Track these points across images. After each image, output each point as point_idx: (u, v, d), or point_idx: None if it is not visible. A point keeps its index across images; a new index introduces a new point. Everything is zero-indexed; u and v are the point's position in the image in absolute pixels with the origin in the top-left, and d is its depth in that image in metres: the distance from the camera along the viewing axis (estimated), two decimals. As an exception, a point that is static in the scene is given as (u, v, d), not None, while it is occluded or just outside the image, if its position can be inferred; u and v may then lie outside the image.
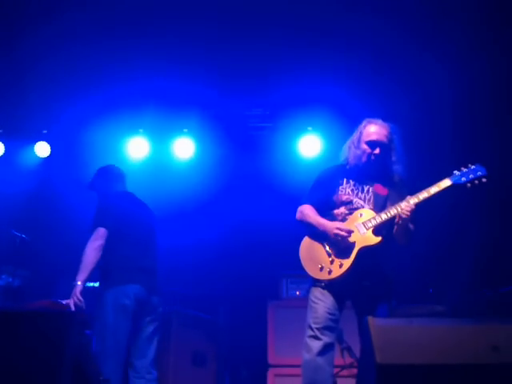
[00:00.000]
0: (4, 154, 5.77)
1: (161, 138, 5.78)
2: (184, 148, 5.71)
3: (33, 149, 5.84)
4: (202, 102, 5.51)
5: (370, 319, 2.50)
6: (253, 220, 5.49)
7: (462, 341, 2.34)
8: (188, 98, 5.42)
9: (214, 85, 5.32)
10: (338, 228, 3.18)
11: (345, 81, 5.10)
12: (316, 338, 3.08)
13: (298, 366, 3.29)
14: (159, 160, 5.81)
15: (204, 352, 4.44)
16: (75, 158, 5.82)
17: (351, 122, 4.92)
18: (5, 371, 2.54)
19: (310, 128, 5.60)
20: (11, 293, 4.03)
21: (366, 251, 3.16)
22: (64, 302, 3.46)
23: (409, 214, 3.07)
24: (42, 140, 5.83)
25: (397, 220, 3.13)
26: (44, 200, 5.79)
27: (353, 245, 3.17)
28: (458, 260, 4.80)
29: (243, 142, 5.73)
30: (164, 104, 5.47)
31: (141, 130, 5.73)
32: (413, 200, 3.10)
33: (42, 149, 5.84)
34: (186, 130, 5.69)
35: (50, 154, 5.84)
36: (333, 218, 3.30)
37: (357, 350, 3.85)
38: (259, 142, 5.73)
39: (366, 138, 3.34)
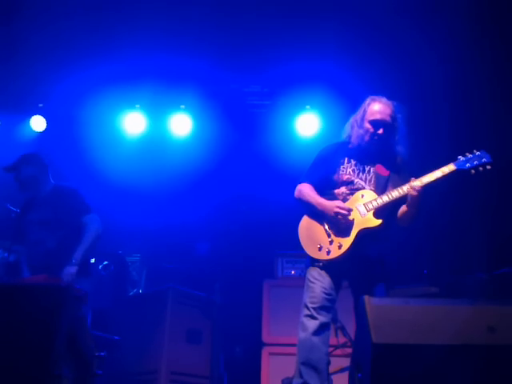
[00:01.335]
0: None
1: (158, 114, 5.73)
2: (181, 124, 5.66)
3: (28, 123, 5.78)
4: (200, 78, 5.45)
5: (367, 299, 2.50)
6: (249, 198, 5.48)
7: (458, 321, 2.35)
8: (186, 73, 5.36)
9: (212, 61, 5.25)
10: (338, 207, 3.15)
11: (344, 59, 5.04)
12: (312, 317, 3.07)
13: (292, 345, 3.32)
14: (156, 136, 5.77)
15: (199, 329, 4.45)
16: (71, 133, 5.76)
17: (350, 101, 4.93)
18: (1, 344, 2.56)
19: (308, 107, 5.55)
20: (7, 267, 4.02)
21: (365, 233, 3.13)
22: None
23: (418, 195, 3.02)
24: (38, 114, 5.76)
25: (408, 201, 3.08)
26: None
27: (352, 226, 3.15)
28: (453, 242, 4.82)
29: (241, 120, 5.68)
30: (161, 79, 5.42)
31: (137, 106, 5.66)
32: (419, 182, 3.05)
33: (38, 123, 5.77)
34: (183, 107, 5.63)
35: (46, 128, 5.77)
36: (333, 198, 3.25)
37: (350, 329, 3.89)
38: (257, 119, 5.69)
39: (369, 116, 3.27)
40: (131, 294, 4.71)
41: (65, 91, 5.59)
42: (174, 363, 4.16)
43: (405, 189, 3.08)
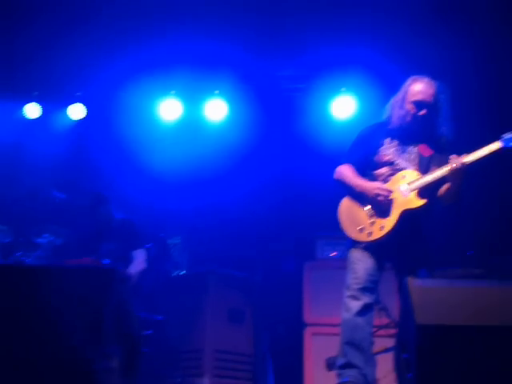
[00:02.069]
0: (41, 116, 5.84)
1: (193, 100, 5.75)
2: (216, 109, 5.67)
3: (66, 111, 5.88)
4: (234, 63, 5.43)
5: (410, 280, 2.53)
6: (287, 181, 5.49)
7: (502, 302, 2.36)
8: (220, 59, 5.35)
9: (246, 45, 5.24)
10: (378, 188, 3.12)
11: (379, 41, 4.96)
12: (355, 298, 3.07)
13: (334, 326, 3.34)
14: (191, 122, 5.79)
15: (241, 309, 4.53)
16: (109, 120, 5.85)
17: (386, 82, 4.89)
18: (50, 325, 2.66)
19: (343, 89, 5.50)
20: (54, 250, 4.17)
21: (408, 214, 3.10)
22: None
23: (461, 173, 2.98)
24: (77, 102, 5.87)
25: (450, 180, 3.03)
26: (80, 161, 5.87)
27: (394, 207, 3.11)
28: (496, 221, 4.74)
29: (275, 103, 5.65)
30: (196, 65, 5.42)
31: (173, 92, 5.69)
32: (462, 159, 2.99)
33: (76, 111, 5.87)
34: (217, 92, 5.64)
35: (85, 116, 5.89)
36: (374, 179, 3.23)
37: (393, 311, 3.90)
38: (292, 103, 5.64)
39: (411, 97, 3.20)
40: (174, 275, 4.82)
41: (102, 79, 5.66)
42: (218, 342, 4.27)
43: (448, 167, 3.02)
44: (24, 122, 5.83)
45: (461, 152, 3.05)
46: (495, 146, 3.02)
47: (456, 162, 3.00)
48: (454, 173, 3.00)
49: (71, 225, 4.57)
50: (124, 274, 3.41)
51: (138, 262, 4.12)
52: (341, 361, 3.05)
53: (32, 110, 5.80)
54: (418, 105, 3.18)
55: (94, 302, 2.78)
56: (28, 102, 5.78)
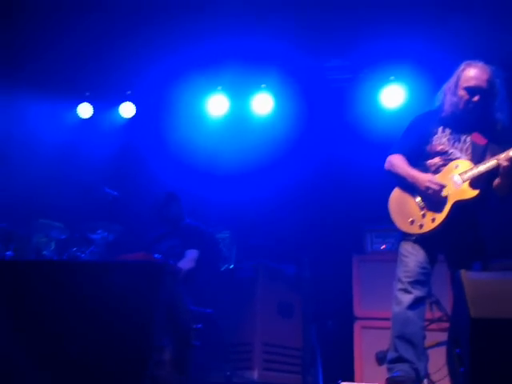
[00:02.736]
0: (93, 115, 6.01)
1: (239, 95, 5.79)
2: (263, 103, 5.69)
3: (118, 110, 6.03)
4: (280, 56, 5.41)
5: (463, 273, 2.45)
6: (335, 173, 5.43)
7: None
8: (265, 52, 5.34)
9: (290, 37, 5.18)
10: (429, 181, 3.04)
11: (426, 30, 4.81)
12: (406, 291, 3.02)
13: (384, 319, 3.30)
14: (239, 116, 5.84)
15: (290, 303, 4.55)
16: (158, 117, 5.97)
17: (435, 71, 4.75)
18: (103, 320, 2.72)
19: (392, 77, 5.39)
20: (107, 246, 4.29)
21: (461, 205, 3.01)
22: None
23: (508, 163, 2.87)
24: (127, 101, 6.00)
25: (499, 169, 2.92)
26: (130, 159, 6.02)
27: (446, 198, 3.03)
28: None
29: (322, 95, 5.60)
30: (242, 60, 5.42)
31: (220, 88, 5.74)
32: (505, 154, 2.88)
33: (127, 109, 6.01)
34: (264, 86, 5.64)
35: (135, 114, 6.01)
36: (426, 169, 3.15)
37: (446, 304, 3.81)
38: (340, 93, 5.58)
39: (464, 83, 3.08)
40: (223, 269, 4.88)
41: (151, 78, 5.78)
42: (267, 335, 4.29)
43: (503, 155, 2.90)
44: (77, 121, 6.03)
45: None
46: None
47: (505, 155, 2.89)
48: (501, 165, 2.90)
49: (123, 221, 4.69)
50: (175, 268, 3.47)
51: (188, 259, 4.20)
52: (391, 355, 3.01)
53: (84, 110, 5.99)
54: (472, 91, 3.07)
55: (145, 296, 2.83)
56: (80, 102, 5.97)
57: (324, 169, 5.46)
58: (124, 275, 2.90)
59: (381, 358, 3.65)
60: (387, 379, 2.97)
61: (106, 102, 6.05)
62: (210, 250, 4.46)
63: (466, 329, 2.30)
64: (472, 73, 3.09)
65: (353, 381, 3.76)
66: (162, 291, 2.90)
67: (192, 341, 3.31)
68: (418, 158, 3.20)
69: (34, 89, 5.60)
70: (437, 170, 3.13)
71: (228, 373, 4.05)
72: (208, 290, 4.34)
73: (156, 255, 3.68)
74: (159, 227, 4.61)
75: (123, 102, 6.00)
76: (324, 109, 5.59)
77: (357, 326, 4.39)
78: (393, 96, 5.42)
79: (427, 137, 3.19)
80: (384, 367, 3.14)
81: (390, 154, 3.27)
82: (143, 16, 5.04)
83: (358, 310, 4.47)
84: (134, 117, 6.04)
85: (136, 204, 5.33)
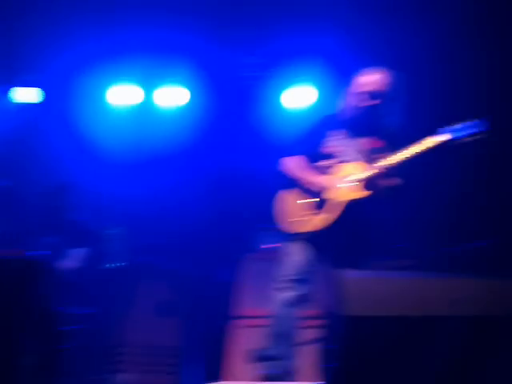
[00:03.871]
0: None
1: (150, 87, 5.65)
2: (171, 96, 5.61)
3: (18, 93, 5.68)
4: (193, 50, 5.34)
5: (342, 271, 2.50)
6: (234, 172, 5.44)
7: (425, 294, 2.37)
8: (178, 45, 5.28)
9: (204, 31, 5.12)
10: (321, 182, 3.14)
11: (337, 30, 4.88)
12: (284, 289, 3.10)
13: (261, 317, 3.39)
14: (148, 108, 5.71)
15: (170, 303, 4.46)
16: (62, 105, 5.70)
17: (343, 72, 4.77)
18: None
19: (298, 78, 5.40)
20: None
21: (351, 205, 3.10)
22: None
23: (398, 165, 2.99)
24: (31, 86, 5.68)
25: (390, 170, 3.05)
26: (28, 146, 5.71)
27: (338, 198, 3.12)
28: (426, 216, 4.75)
29: (233, 92, 5.59)
30: (155, 51, 5.33)
31: (131, 78, 5.58)
32: (397, 156, 3.00)
33: (25, 93, 5.67)
34: (175, 79, 5.56)
35: (40, 100, 5.70)
36: (320, 171, 3.22)
37: (323, 302, 3.83)
38: (250, 91, 5.57)
39: (361, 87, 3.19)
40: (106, 267, 4.72)
41: (58, 65, 5.49)
42: (142, 336, 4.21)
43: (391, 160, 3.02)
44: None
45: (410, 143, 3.03)
46: (441, 138, 2.96)
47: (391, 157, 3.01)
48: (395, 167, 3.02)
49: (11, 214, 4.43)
50: (48, 266, 3.26)
51: (72, 257, 4.06)
52: (266, 352, 3.09)
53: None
54: (368, 95, 3.16)
55: (7, 296, 2.65)
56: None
57: (222, 168, 5.46)
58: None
59: (255, 356, 3.65)
60: (261, 376, 3.05)
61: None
62: (95, 248, 4.30)
63: (340, 326, 2.37)
64: (369, 78, 3.20)
65: (225, 379, 3.71)
66: (30, 291, 2.73)
67: (62, 344, 3.14)
68: (313, 160, 3.27)
69: None
70: (330, 172, 3.20)
71: (103, 375, 3.92)
72: (92, 290, 4.18)
73: (30, 252, 3.44)
74: (44, 220, 4.35)
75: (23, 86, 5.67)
76: (234, 105, 5.57)
77: (232, 324, 4.36)
78: (298, 97, 5.45)
79: (322, 139, 3.26)
80: (258, 365, 3.18)
81: (286, 155, 3.34)
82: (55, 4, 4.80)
83: (235, 309, 4.38)
84: (38, 103, 5.70)
85: (26, 194, 5.04)
